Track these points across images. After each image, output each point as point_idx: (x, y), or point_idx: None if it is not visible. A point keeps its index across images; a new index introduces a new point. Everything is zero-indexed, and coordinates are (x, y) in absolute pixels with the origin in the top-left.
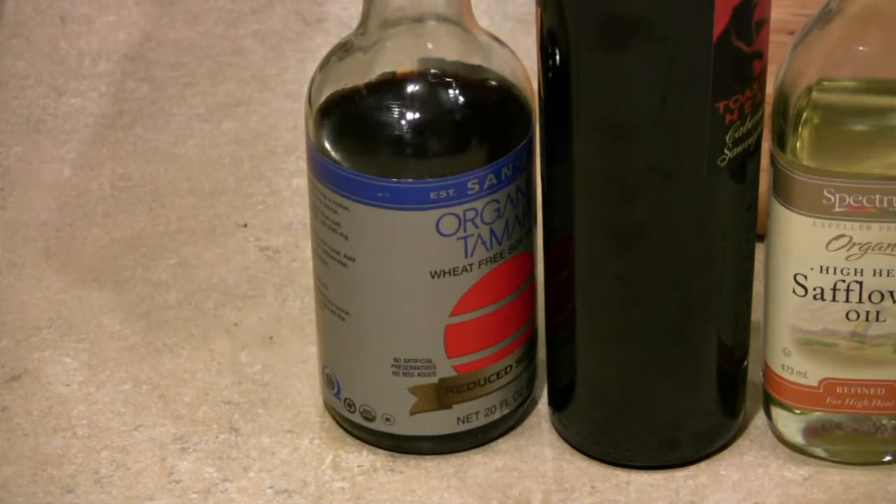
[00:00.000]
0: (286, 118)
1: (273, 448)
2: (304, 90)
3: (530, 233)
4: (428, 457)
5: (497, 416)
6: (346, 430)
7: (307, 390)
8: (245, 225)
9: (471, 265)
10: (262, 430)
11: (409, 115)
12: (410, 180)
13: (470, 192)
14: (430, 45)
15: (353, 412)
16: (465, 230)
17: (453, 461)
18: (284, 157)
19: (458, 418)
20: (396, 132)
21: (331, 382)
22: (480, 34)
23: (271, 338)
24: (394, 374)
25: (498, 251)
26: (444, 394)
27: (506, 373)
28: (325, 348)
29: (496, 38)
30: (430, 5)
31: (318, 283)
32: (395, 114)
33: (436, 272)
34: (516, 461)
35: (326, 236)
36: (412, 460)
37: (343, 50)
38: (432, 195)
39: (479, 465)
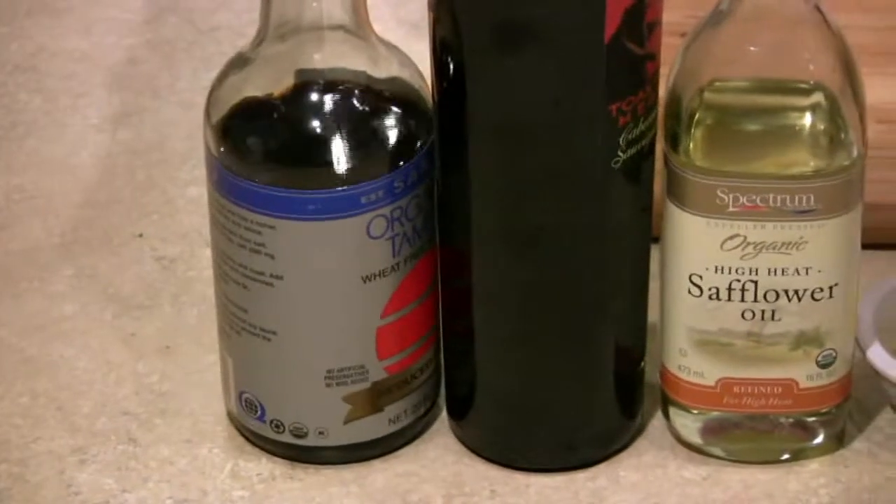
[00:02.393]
0: (180, 127)
1: (172, 458)
2: (198, 98)
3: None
4: (329, 464)
5: (422, 411)
6: (264, 448)
7: (205, 399)
8: (141, 235)
9: (398, 264)
10: (160, 440)
11: (332, 124)
12: (342, 188)
13: (396, 191)
14: (328, 54)
15: (282, 433)
16: (392, 230)
17: (353, 467)
18: (179, 165)
19: (390, 419)
20: (322, 142)
21: (252, 407)
22: (376, 41)
23: (168, 347)
24: (327, 385)
25: (419, 246)
26: (376, 397)
27: (427, 367)
28: (245, 373)
29: (391, 45)
30: (327, 15)
31: (230, 308)
32: (317, 124)
33: (367, 276)
34: (416, 466)
35: (246, 259)
36: (311, 467)
37: (241, 62)
38: (363, 199)
39: (379, 470)
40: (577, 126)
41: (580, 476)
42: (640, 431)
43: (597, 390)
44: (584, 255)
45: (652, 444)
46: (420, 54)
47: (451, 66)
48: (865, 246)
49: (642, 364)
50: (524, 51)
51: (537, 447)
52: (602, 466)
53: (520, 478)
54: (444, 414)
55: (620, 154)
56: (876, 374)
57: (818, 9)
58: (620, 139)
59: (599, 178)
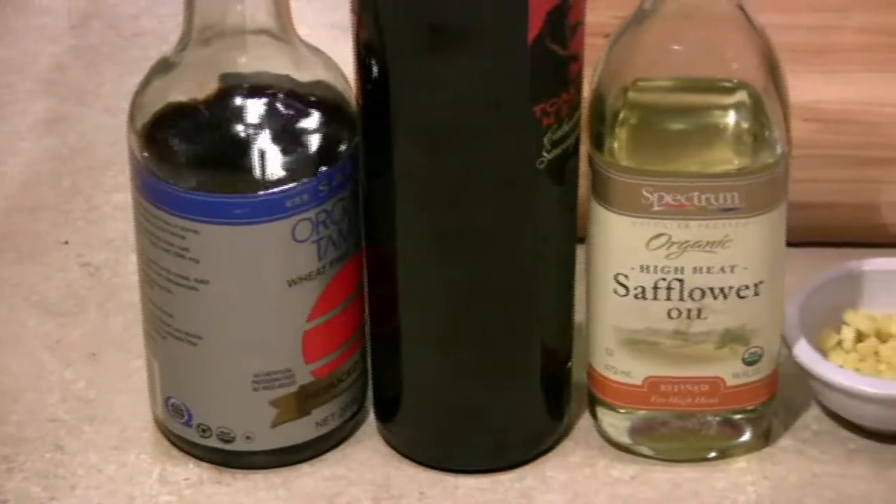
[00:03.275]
0: (105, 133)
1: (100, 465)
2: (123, 104)
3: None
4: (257, 469)
5: (349, 414)
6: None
7: (133, 405)
8: (66, 242)
9: (323, 267)
10: (88, 447)
11: (256, 128)
12: (267, 192)
13: (321, 194)
14: (252, 58)
15: (209, 437)
16: (317, 233)
17: (281, 472)
18: (104, 172)
19: (317, 423)
20: (246, 147)
21: (179, 412)
22: (300, 45)
23: (95, 354)
24: (254, 390)
25: (345, 250)
26: (303, 401)
27: (354, 370)
28: (171, 378)
29: (315, 48)
30: (250, 19)
31: (156, 313)
32: (241, 128)
33: (293, 280)
34: (344, 470)
35: (170, 263)
36: (239, 472)
37: (165, 67)
38: (288, 203)
39: (307, 474)
40: (502, 127)
41: (508, 477)
42: (567, 431)
43: (524, 391)
44: (510, 255)
45: (579, 444)
46: (346, 58)
47: (376, 69)
48: (793, 244)
49: (569, 364)
50: (448, 53)
51: (465, 448)
52: (530, 467)
53: (448, 480)
54: (371, 417)
55: (545, 154)
56: (803, 371)
57: (741, 8)
58: (545, 140)
59: (524, 178)
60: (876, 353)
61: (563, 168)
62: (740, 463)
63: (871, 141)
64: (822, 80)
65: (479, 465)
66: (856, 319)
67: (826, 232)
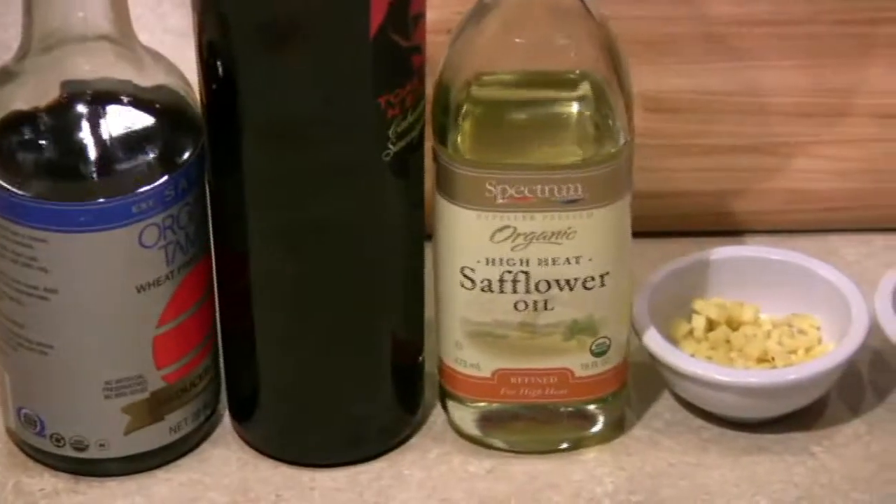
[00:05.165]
0: None
1: None
2: None
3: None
4: (113, 476)
5: (203, 418)
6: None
7: None
8: None
9: (172, 272)
10: None
11: (99, 135)
12: (112, 199)
13: (167, 199)
14: (93, 64)
15: (63, 447)
16: (165, 238)
17: (137, 478)
18: None
19: (171, 428)
20: (90, 153)
21: (31, 422)
22: (142, 50)
23: None
24: (106, 397)
25: (193, 254)
26: (156, 407)
27: (206, 374)
28: (22, 388)
29: (156, 53)
30: (90, 25)
31: (6, 324)
32: (85, 135)
33: (141, 286)
34: (200, 474)
35: (18, 274)
36: (95, 481)
37: (6, 76)
38: (134, 209)
39: (163, 480)
40: (347, 120)
41: (365, 476)
42: (421, 425)
43: (376, 385)
44: (358, 250)
45: (436, 441)
46: (189, 62)
47: (219, 69)
48: (640, 234)
49: (421, 358)
50: (290, 48)
51: (321, 443)
52: (386, 464)
53: (305, 480)
54: (227, 420)
55: (391, 147)
56: (654, 361)
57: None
58: (390, 132)
59: (371, 171)
60: (727, 340)
61: (409, 161)
62: (596, 454)
63: (715, 129)
64: (665, 70)
65: (335, 458)
66: (706, 308)
67: (673, 221)
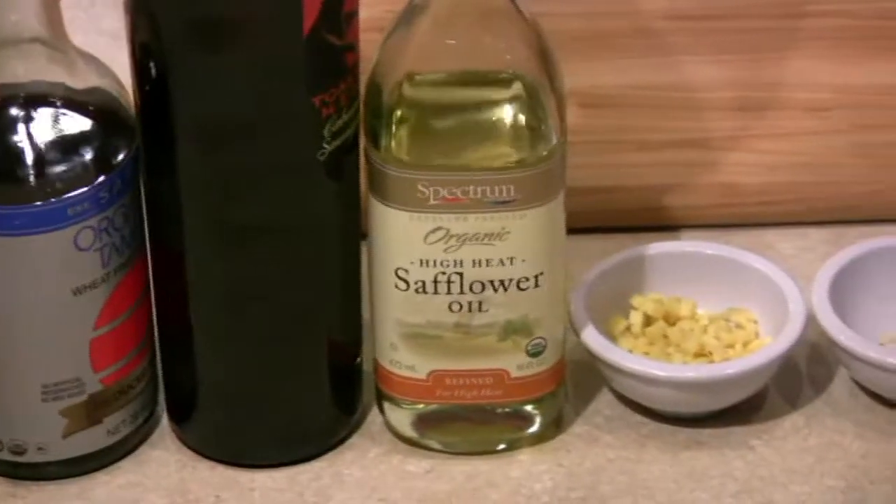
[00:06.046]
0: None
1: None
2: None
3: None
4: (52, 479)
5: (141, 420)
6: None
7: None
8: None
9: (108, 275)
10: None
11: (32, 137)
12: (48, 202)
13: (102, 201)
14: (26, 67)
15: (1, 450)
16: (100, 240)
17: (77, 481)
18: None
19: (109, 431)
20: (23, 157)
21: None
22: (75, 53)
23: None
24: (43, 400)
25: (128, 256)
26: (94, 409)
27: (144, 376)
28: None
29: (89, 55)
30: (23, 28)
31: None
32: (17, 138)
33: (77, 289)
34: (139, 476)
35: None
36: (34, 485)
37: None
38: (70, 212)
39: (102, 483)
40: (281, 120)
41: (304, 476)
42: (359, 425)
43: (313, 385)
44: (294, 250)
45: (374, 441)
46: (123, 64)
47: (152, 69)
48: (575, 231)
49: (359, 359)
50: (223, 48)
51: (259, 443)
52: (326, 464)
53: (244, 481)
54: (166, 421)
55: (326, 146)
56: (593, 358)
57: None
58: (325, 131)
59: (306, 171)
60: (665, 336)
61: (344, 160)
62: (535, 452)
63: (648, 125)
64: (598, 67)
65: (274, 458)
66: (643, 303)
67: (609, 217)
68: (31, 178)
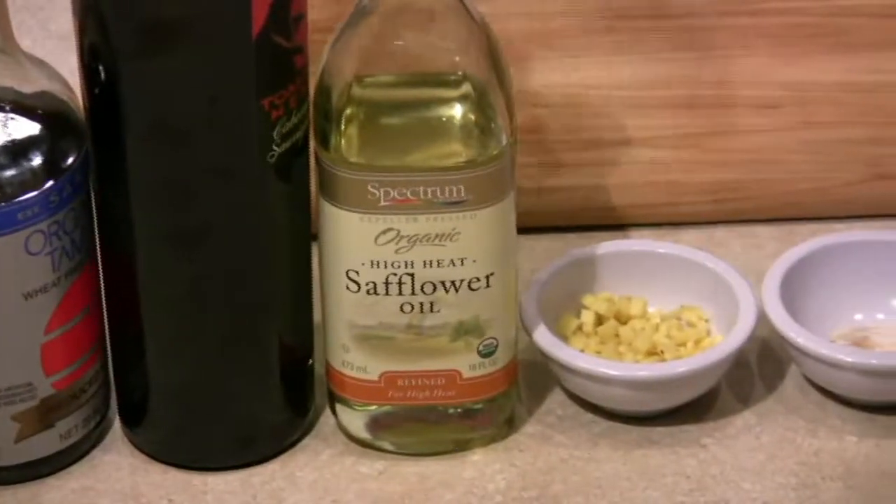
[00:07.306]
0: None
1: None
2: None
3: None
4: (4, 484)
5: (93, 424)
6: None
7: None
8: None
9: (59, 279)
10: None
11: None
12: None
13: (52, 205)
14: None
15: None
16: (51, 244)
17: (28, 486)
18: None
19: (61, 435)
20: None
21: None
22: (23, 57)
23: None
24: None
25: (79, 260)
26: (45, 414)
27: (96, 379)
28: None
29: (37, 59)
30: None
31: None
32: None
33: (28, 293)
34: (91, 481)
35: None
36: None
37: None
38: (20, 216)
39: (54, 488)
40: (231, 122)
41: (257, 479)
42: (312, 427)
43: (265, 388)
44: (244, 251)
45: (327, 442)
46: (73, 67)
47: (101, 72)
48: (526, 230)
49: (311, 361)
50: (172, 50)
51: (210, 446)
52: (278, 466)
53: (197, 484)
54: (118, 425)
55: (275, 148)
56: (544, 357)
57: (460, 0)
58: (274, 133)
59: (256, 173)
60: (616, 335)
61: (294, 162)
62: (487, 452)
63: (597, 123)
64: (546, 66)
65: (226, 461)
66: (595, 303)
67: (559, 217)
68: None
